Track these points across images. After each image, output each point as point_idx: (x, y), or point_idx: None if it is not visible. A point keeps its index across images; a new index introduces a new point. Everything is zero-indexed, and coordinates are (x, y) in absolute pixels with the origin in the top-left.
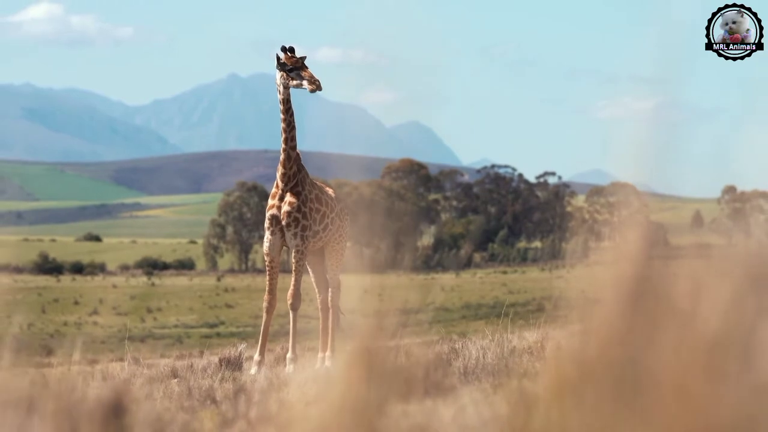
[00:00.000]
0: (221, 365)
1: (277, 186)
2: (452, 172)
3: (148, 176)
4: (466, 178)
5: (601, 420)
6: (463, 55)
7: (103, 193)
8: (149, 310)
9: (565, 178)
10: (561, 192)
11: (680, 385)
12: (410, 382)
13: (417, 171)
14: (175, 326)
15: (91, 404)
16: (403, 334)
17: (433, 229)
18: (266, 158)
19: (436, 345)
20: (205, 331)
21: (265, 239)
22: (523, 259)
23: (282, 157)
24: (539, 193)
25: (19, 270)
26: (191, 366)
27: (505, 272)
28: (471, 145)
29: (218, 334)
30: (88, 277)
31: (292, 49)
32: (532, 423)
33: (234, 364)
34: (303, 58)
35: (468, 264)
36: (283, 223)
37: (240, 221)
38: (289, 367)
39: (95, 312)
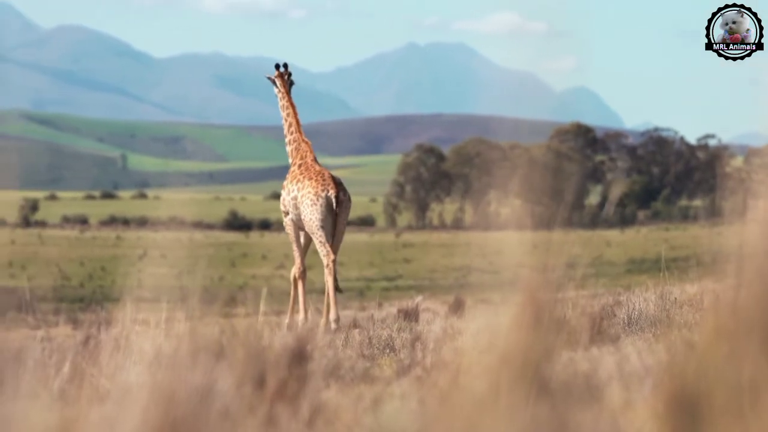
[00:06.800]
0: (399, 316)
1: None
2: (617, 135)
3: (331, 138)
4: (630, 140)
5: (755, 366)
6: (628, 25)
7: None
8: None
9: (725, 140)
10: (720, 153)
11: None
12: (576, 331)
13: (584, 134)
14: (357, 279)
15: (277, 351)
16: (570, 287)
17: (599, 188)
18: (442, 122)
19: (602, 297)
20: (384, 284)
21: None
22: (684, 216)
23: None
24: (700, 155)
25: (210, 226)
26: (371, 317)
27: (667, 229)
28: (635, 109)
29: (397, 287)
30: (275, 234)
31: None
32: (691, 370)
33: (411, 315)
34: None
35: (632, 221)
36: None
37: (418, 181)
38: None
39: (281, 266)
